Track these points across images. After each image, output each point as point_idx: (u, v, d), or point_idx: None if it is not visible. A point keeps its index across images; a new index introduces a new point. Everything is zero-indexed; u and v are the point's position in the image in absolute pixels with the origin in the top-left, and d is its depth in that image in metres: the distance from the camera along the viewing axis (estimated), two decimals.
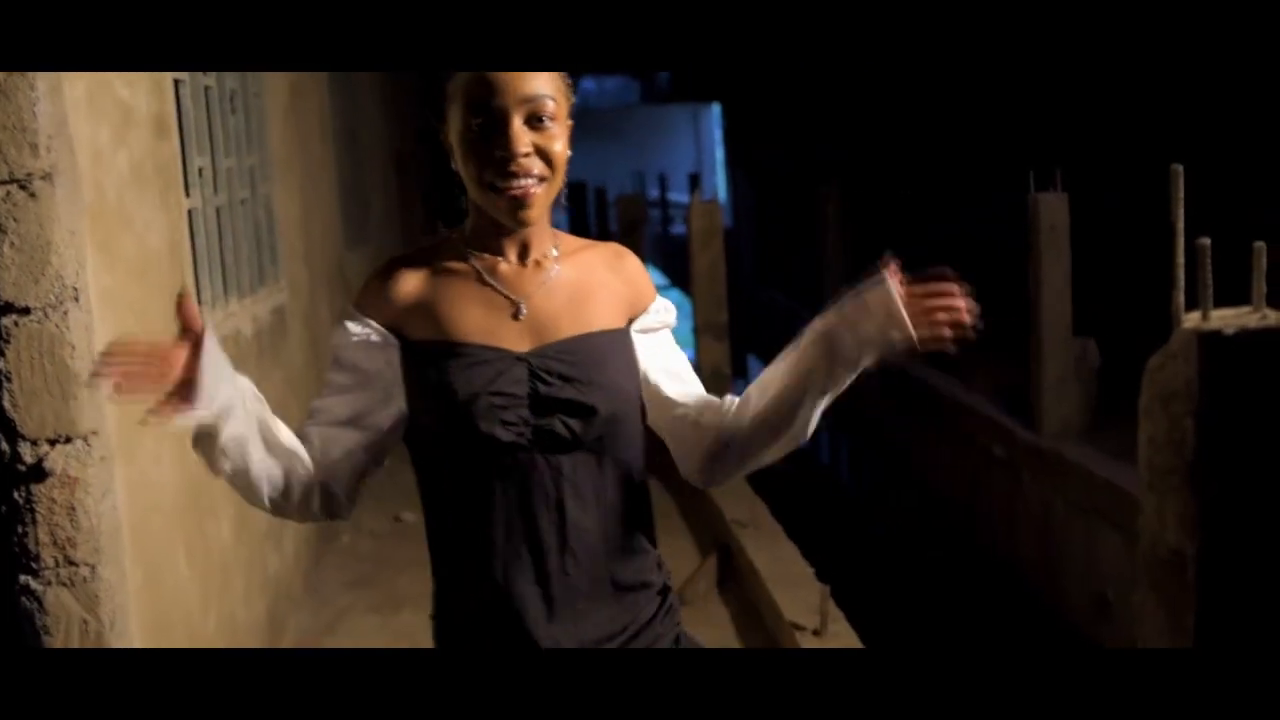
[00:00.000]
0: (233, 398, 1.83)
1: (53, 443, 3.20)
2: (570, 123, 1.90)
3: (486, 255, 1.92)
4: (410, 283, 1.93)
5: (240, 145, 5.10)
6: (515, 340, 1.88)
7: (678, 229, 23.37)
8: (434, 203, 2.04)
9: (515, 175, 1.81)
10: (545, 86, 1.83)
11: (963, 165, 10.95)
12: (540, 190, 1.84)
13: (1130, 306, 8.70)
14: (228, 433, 1.82)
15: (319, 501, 1.95)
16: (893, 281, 1.83)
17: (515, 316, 1.89)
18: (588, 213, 21.09)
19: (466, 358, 1.85)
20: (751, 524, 5.87)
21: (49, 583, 3.23)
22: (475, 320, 1.88)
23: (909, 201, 12.41)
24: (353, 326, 1.92)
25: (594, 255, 1.99)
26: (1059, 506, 7.28)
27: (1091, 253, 7.68)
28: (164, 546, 3.76)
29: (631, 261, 2.02)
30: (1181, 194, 1.77)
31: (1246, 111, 7.84)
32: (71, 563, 3.23)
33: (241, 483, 1.90)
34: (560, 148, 1.85)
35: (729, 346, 9.15)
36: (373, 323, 1.92)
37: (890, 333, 1.81)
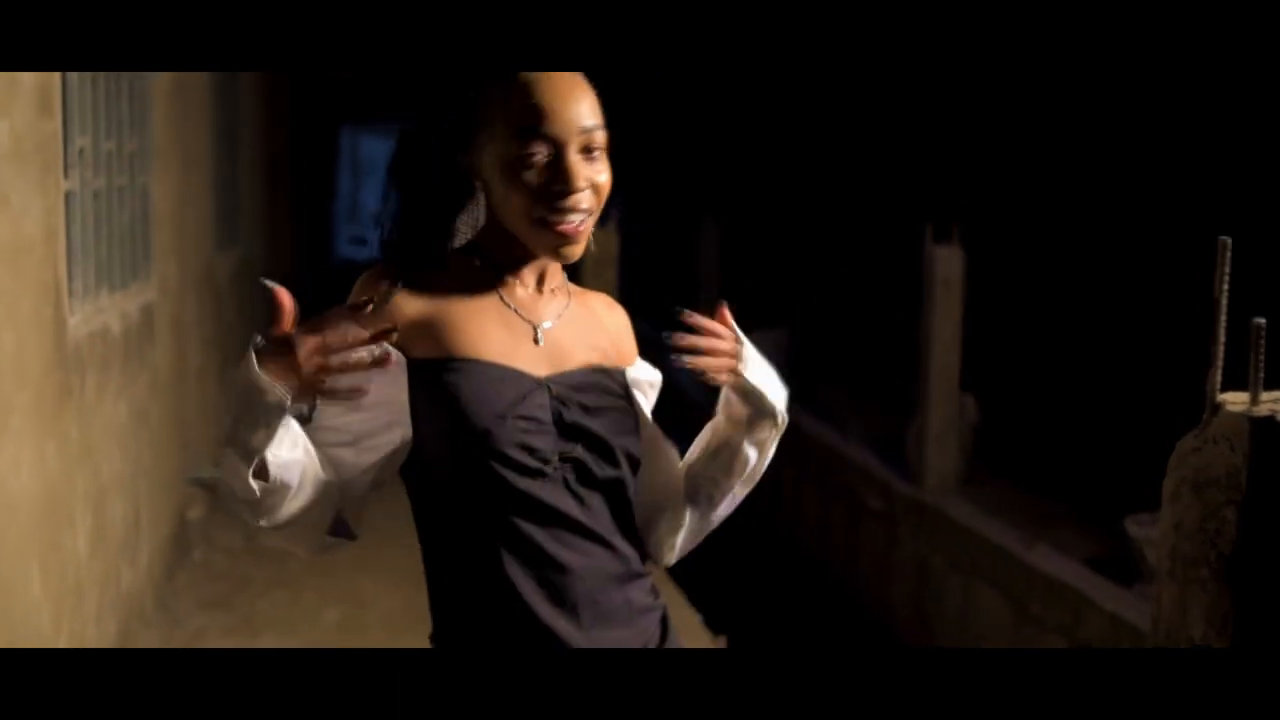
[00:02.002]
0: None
1: None
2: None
3: (507, 277, 1.82)
4: (420, 295, 1.77)
5: (122, 128, 4.74)
6: (533, 364, 1.78)
7: None
8: (395, 233, 1.84)
9: (570, 211, 1.72)
10: (597, 115, 1.75)
11: (855, 211, 10.92)
12: (587, 225, 1.76)
13: (1006, 362, 8.71)
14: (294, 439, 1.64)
15: (331, 526, 1.79)
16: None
17: (535, 341, 1.80)
18: None
19: (488, 376, 1.73)
20: None
21: None
22: (496, 340, 1.77)
23: (794, 245, 12.36)
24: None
25: (594, 301, 1.95)
26: (936, 562, 7.19)
27: (972, 306, 7.63)
28: (17, 562, 3.39)
29: (622, 313, 1.99)
30: (1228, 267, 1.63)
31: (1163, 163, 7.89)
32: None
33: (285, 494, 1.65)
34: (607, 180, 1.77)
35: None
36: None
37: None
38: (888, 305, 9.61)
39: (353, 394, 1.58)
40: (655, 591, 1.93)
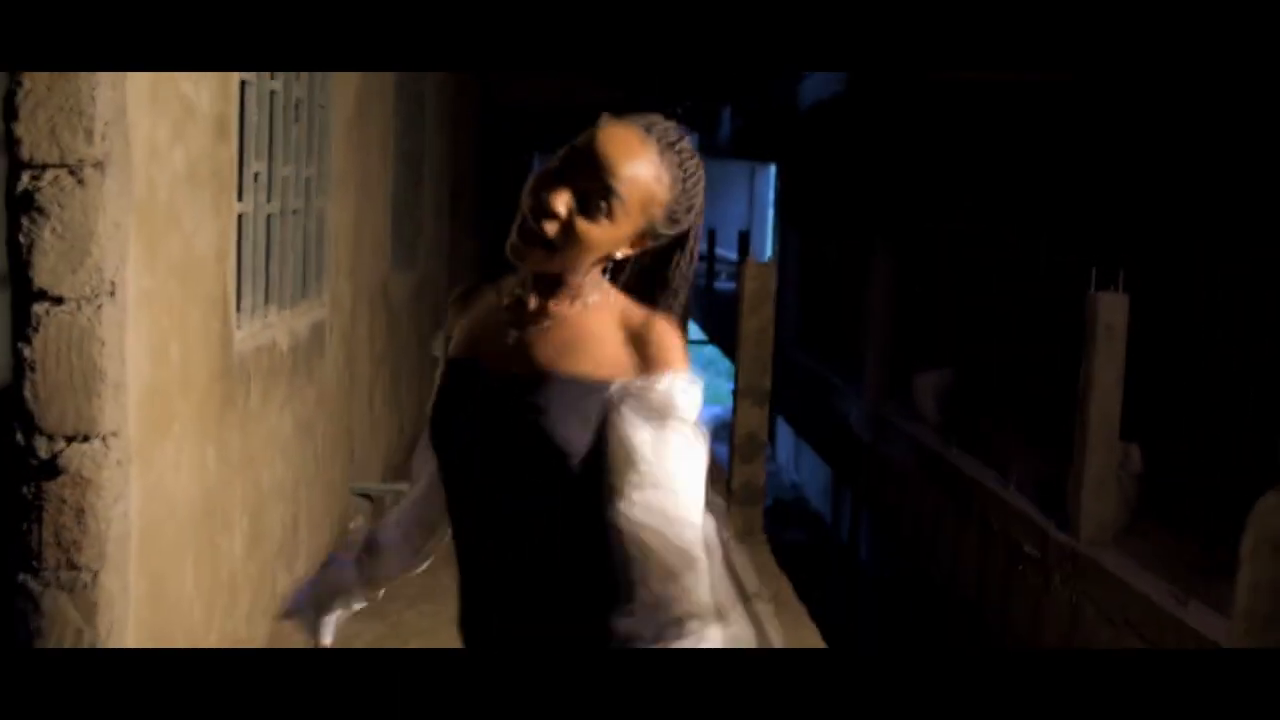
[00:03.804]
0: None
1: (70, 440, 3.08)
2: (648, 219, 1.87)
3: (519, 291, 1.94)
4: (470, 305, 2.04)
5: (300, 154, 5.02)
6: (499, 364, 1.91)
7: (722, 284, 23.22)
8: None
9: (533, 228, 1.82)
10: (624, 184, 1.81)
11: (1022, 250, 10.80)
12: (542, 253, 1.84)
13: (1177, 414, 8.53)
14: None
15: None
16: None
17: (509, 343, 1.91)
18: None
19: (462, 369, 1.96)
20: (773, 600, 5.70)
21: (47, 584, 3.11)
22: (482, 343, 1.95)
23: (964, 285, 12.25)
24: (438, 340, 2.10)
25: (622, 314, 1.89)
26: (1088, 613, 7.08)
27: (1143, 355, 7.51)
28: (172, 558, 3.63)
29: (659, 332, 1.85)
30: None
31: None
32: (74, 566, 3.11)
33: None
34: (596, 237, 1.83)
35: (768, 412, 8.99)
36: (443, 336, 2.07)
37: None
38: (1056, 349, 9.49)
39: None
40: (602, 611, 1.86)
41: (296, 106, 4.94)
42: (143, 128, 3.23)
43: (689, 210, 1.91)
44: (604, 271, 1.93)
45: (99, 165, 3.01)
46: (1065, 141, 9.94)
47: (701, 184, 1.92)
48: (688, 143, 1.90)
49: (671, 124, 1.89)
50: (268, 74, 4.51)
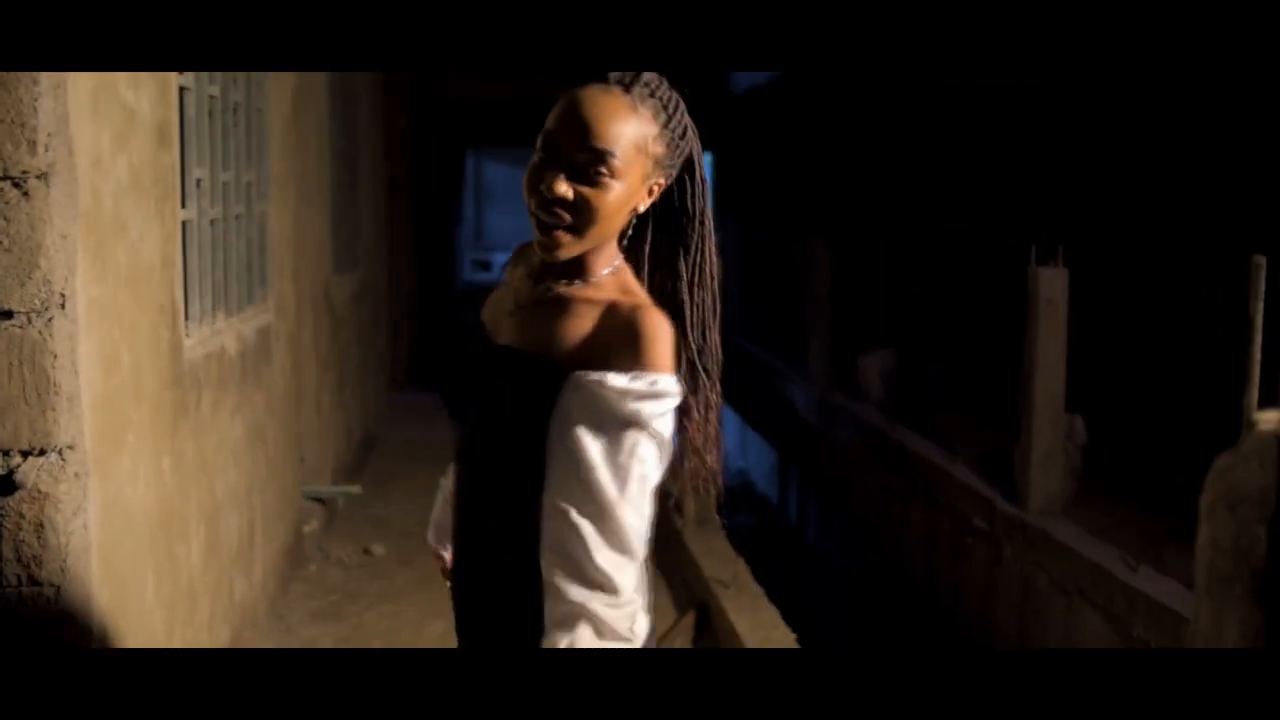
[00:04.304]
0: None
1: (25, 455, 3.05)
2: (643, 167, 1.86)
3: (532, 266, 1.99)
4: (514, 276, 2.08)
5: (240, 159, 4.98)
6: (497, 336, 1.98)
7: None
8: None
9: (547, 215, 1.84)
10: (616, 144, 1.82)
11: (960, 229, 10.89)
12: (569, 237, 1.84)
13: (1118, 385, 8.64)
14: None
15: None
16: None
17: (508, 316, 1.97)
18: None
19: (471, 339, 2.02)
20: (733, 585, 5.73)
21: (9, 602, 3.07)
22: (497, 321, 2.00)
23: (902, 266, 12.35)
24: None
25: (617, 299, 1.85)
26: (1040, 583, 7.17)
27: (1082, 328, 7.60)
28: (133, 569, 3.60)
29: (646, 324, 1.78)
30: (1262, 287, 1.67)
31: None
32: (35, 582, 3.07)
33: None
34: (606, 201, 1.83)
35: None
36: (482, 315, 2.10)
37: None
38: (998, 327, 9.59)
39: None
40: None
41: (235, 110, 4.91)
42: (85, 137, 3.20)
43: (684, 134, 1.91)
44: (624, 236, 1.94)
45: (43, 176, 2.97)
46: (999, 122, 10.04)
47: (683, 106, 1.92)
48: (652, 75, 1.90)
49: (628, 71, 1.89)
50: (206, 78, 4.47)
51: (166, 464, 3.92)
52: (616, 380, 1.74)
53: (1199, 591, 2.06)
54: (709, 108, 18.85)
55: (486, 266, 32.05)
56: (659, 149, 1.88)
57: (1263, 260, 1.75)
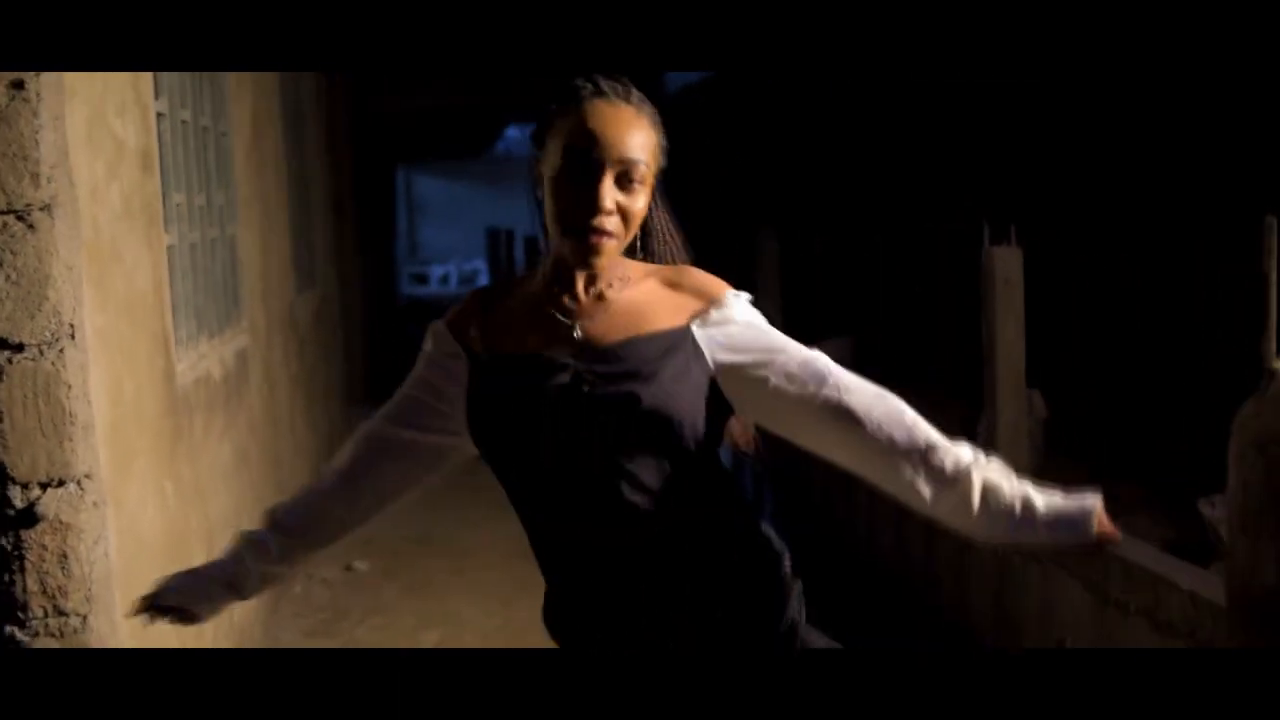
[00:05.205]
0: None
1: (45, 486, 3.06)
2: (656, 167, 2.01)
3: (557, 286, 2.02)
4: (490, 306, 2.08)
5: (210, 182, 4.99)
6: (566, 354, 1.97)
7: None
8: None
9: (594, 230, 1.90)
10: (642, 152, 1.94)
11: (910, 215, 11.02)
12: (612, 244, 1.93)
13: (1068, 355, 8.80)
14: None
15: (371, 499, 2.21)
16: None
17: (573, 337, 1.98)
18: (498, 256, 21.07)
19: (519, 365, 1.98)
20: None
21: (36, 634, 3.08)
22: (533, 340, 2.00)
23: (852, 253, 12.47)
24: (433, 338, 2.10)
25: (661, 276, 2.05)
26: (1014, 558, 7.28)
27: (1031, 305, 7.72)
28: None
29: (692, 274, 2.06)
30: (1276, 245, 1.76)
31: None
32: (61, 612, 3.09)
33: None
34: (640, 207, 1.96)
35: None
36: (450, 336, 2.07)
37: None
38: (950, 310, 9.72)
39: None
40: (725, 548, 2.03)
41: (204, 134, 4.91)
42: (82, 167, 3.22)
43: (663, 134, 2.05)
44: None
45: (46, 208, 2.98)
46: (943, 106, 10.17)
47: None
48: (627, 81, 2.02)
49: (617, 79, 2.00)
50: (179, 103, 4.49)
51: (169, 488, 3.94)
52: (727, 307, 2.01)
53: (1233, 532, 2.16)
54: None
55: (423, 280, 32.00)
56: (660, 152, 2.02)
57: (1274, 221, 1.84)
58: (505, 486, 2.05)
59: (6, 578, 3.06)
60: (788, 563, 2.12)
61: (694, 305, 2.00)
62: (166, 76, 4.30)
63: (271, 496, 6.00)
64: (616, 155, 1.90)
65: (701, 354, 1.97)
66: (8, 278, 2.99)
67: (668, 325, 1.98)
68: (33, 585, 3.06)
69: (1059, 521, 1.91)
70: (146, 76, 3.97)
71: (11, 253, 2.99)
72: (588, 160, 1.90)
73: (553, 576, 2.07)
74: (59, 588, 3.08)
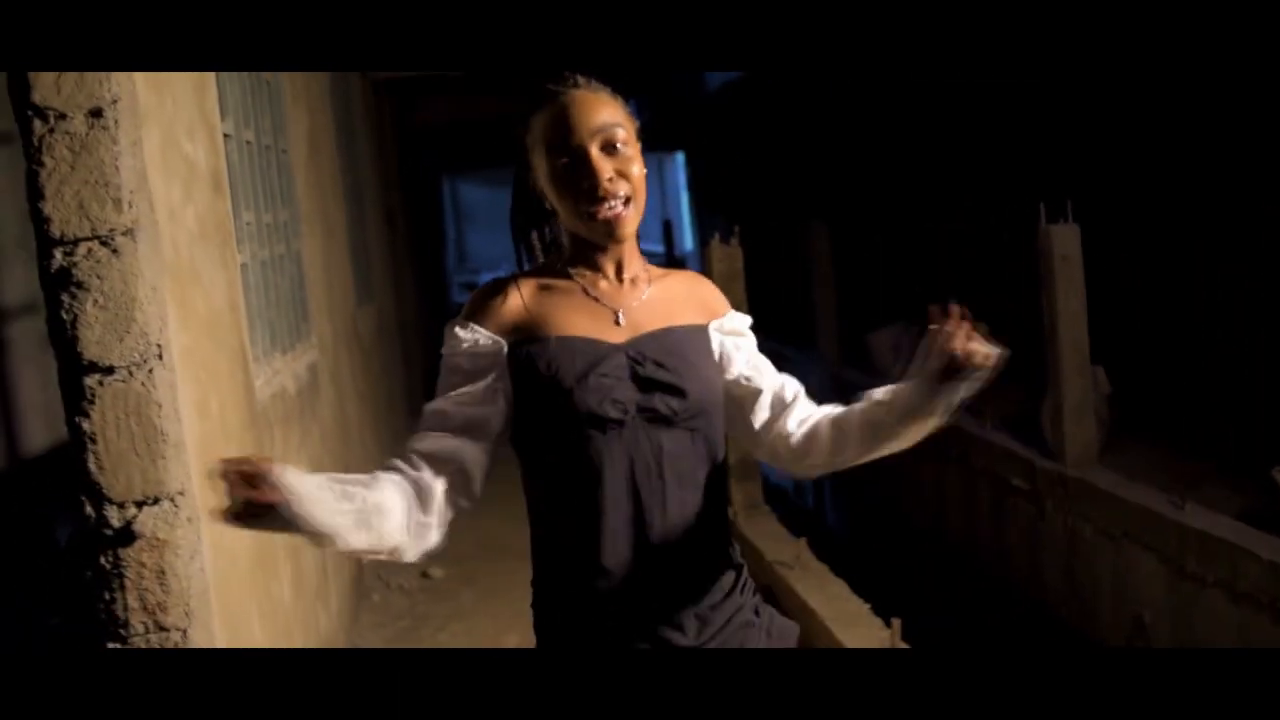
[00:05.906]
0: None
1: (140, 505, 3.12)
2: (639, 144, 2.12)
3: (587, 273, 2.13)
4: (516, 296, 2.11)
5: (275, 200, 5.06)
6: (615, 338, 2.07)
7: None
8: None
9: (604, 200, 2.02)
10: (612, 115, 2.06)
11: (963, 201, 10.98)
12: (629, 211, 2.06)
13: (1131, 330, 8.74)
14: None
15: (444, 504, 2.04)
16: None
17: (616, 322, 2.09)
18: None
19: (573, 347, 2.04)
20: (797, 565, 5.81)
21: (139, 649, 3.15)
22: (580, 324, 2.08)
23: (904, 240, 12.44)
24: (461, 332, 2.09)
25: (676, 278, 2.22)
26: (1086, 533, 7.26)
27: (1090, 282, 7.68)
28: (241, 608, 3.68)
29: (707, 283, 2.28)
30: None
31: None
32: (162, 628, 3.15)
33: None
34: (638, 170, 2.07)
35: None
36: (480, 328, 2.08)
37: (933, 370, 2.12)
38: (1004, 290, 9.67)
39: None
40: (732, 544, 2.18)
41: (266, 152, 4.98)
42: (159, 191, 3.28)
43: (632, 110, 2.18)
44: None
45: (129, 232, 3.05)
46: (993, 93, 10.12)
47: None
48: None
49: (560, 76, 2.12)
50: (243, 123, 4.55)
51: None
52: (738, 318, 2.25)
53: None
54: (682, 107, 18.96)
55: (474, 289, 32.12)
56: (633, 121, 2.14)
57: None
58: (546, 474, 2.06)
59: (108, 595, 3.12)
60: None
61: (710, 310, 2.20)
62: (229, 97, 4.37)
63: None
64: (590, 129, 2.03)
65: (714, 355, 2.16)
66: (95, 302, 3.05)
67: (694, 321, 2.15)
68: (133, 602, 3.13)
69: (913, 383, 2.16)
70: (212, 97, 4.04)
71: (98, 277, 3.05)
72: (569, 147, 2.03)
73: (580, 566, 2.03)
74: (158, 604, 3.14)
